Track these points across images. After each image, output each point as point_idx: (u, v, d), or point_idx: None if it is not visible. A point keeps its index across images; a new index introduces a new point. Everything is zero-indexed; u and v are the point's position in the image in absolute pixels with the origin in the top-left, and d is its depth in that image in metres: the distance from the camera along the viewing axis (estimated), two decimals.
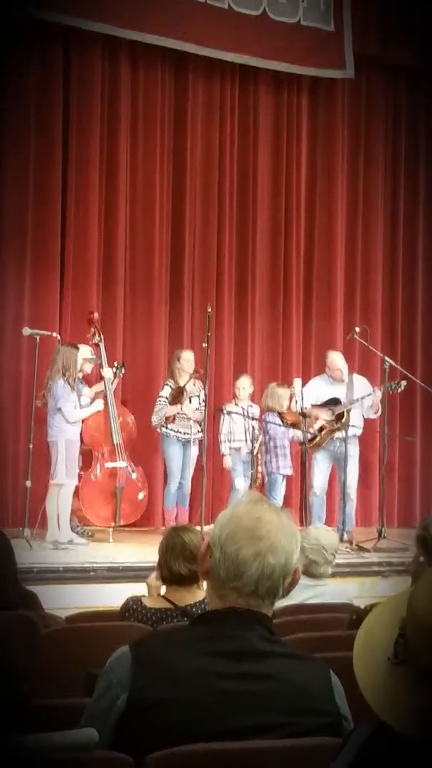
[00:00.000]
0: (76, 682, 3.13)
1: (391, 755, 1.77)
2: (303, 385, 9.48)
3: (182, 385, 9.17)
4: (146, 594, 4.41)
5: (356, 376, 9.61)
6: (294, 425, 9.08)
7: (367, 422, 10.12)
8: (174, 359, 9.38)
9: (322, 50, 10.46)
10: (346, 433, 9.20)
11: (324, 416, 9.16)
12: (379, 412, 9.48)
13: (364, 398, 9.26)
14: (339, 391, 9.35)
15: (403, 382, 9.34)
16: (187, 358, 9.28)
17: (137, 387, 9.92)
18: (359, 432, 9.40)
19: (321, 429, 9.23)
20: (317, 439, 9.16)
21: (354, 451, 9.30)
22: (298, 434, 9.08)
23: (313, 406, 9.19)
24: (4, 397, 9.43)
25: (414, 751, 1.74)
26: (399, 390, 9.33)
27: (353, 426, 9.24)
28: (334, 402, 9.27)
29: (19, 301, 9.47)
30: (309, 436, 9.06)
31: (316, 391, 9.38)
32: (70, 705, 2.77)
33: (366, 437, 10.72)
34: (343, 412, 9.19)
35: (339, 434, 9.22)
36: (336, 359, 9.52)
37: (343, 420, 9.18)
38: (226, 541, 2.21)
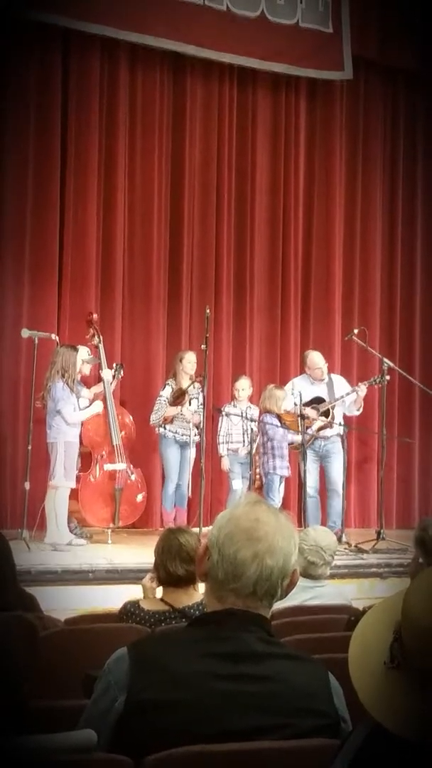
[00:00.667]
0: (75, 684, 3.13)
1: (388, 757, 1.77)
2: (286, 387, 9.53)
3: (184, 388, 9.16)
4: (142, 596, 4.41)
5: (335, 376, 9.69)
6: (292, 427, 9.09)
7: (367, 423, 10.15)
8: (176, 360, 9.36)
9: (321, 52, 10.47)
10: (344, 431, 9.25)
11: (311, 413, 9.17)
12: (361, 409, 9.52)
13: (348, 395, 9.33)
14: (320, 391, 9.41)
15: (387, 376, 9.36)
16: (190, 360, 9.26)
17: (136, 388, 9.92)
18: (342, 430, 9.41)
19: (320, 429, 9.25)
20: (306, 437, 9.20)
21: (337, 449, 9.36)
22: (296, 437, 9.08)
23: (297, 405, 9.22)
24: (2, 398, 9.43)
25: (411, 754, 1.74)
26: (383, 384, 9.33)
27: (338, 424, 9.29)
28: (318, 401, 9.31)
29: (18, 302, 9.46)
30: (308, 437, 9.08)
31: (298, 390, 9.39)
32: (69, 707, 2.77)
33: (364, 438, 10.75)
34: (328, 410, 9.24)
35: (323, 433, 9.27)
36: (316, 358, 9.56)
37: (329, 418, 9.24)
38: (224, 542, 2.22)
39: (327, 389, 9.44)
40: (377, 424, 9.95)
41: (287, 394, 9.24)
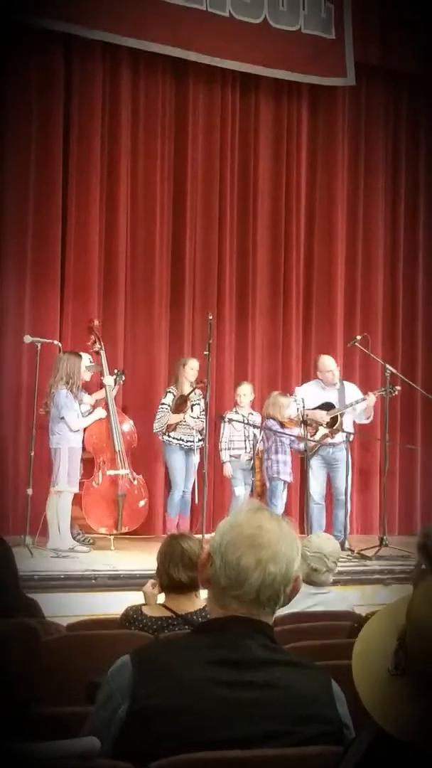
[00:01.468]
0: (77, 690, 3.13)
1: (392, 763, 1.76)
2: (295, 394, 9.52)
3: (186, 394, 9.15)
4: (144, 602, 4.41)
5: (347, 383, 9.66)
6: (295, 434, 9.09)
7: (369, 429, 10.13)
8: (179, 366, 9.35)
9: (323, 58, 10.47)
10: (349, 438, 9.24)
11: (320, 418, 9.17)
12: (371, 417, 9.51)
13: (357, 402, 9.30)
14: (331, 396, 9.39)
15: (397, 387, 9.37)
16: (193, 366, 9.24)
17: (137, 394, 9.92)
18: (350, 438, 9.40)
19: (323, 437, 9.24)
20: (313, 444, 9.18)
21: (345, 457, 9.33)
22: (299, 444, 9.07)
23: (307, 410, 9.21)
24: (4, 404, 9.42)
25: (416, 759, 1.74)
26: (393, 394, 9.34)
27: (346, 431, 9.28)
28: (327, 406, 9.30)
29: (20, 308, 9.46)
30: (311, 444, 9.08)
31: (308, 395, 9.39)
32: (72, 714, 2.77)
33: (367, 444, 10.74)
34: (336, 417, 9.23)
35: (331, 440, 9.25)
36: (326, 361, 9.55)
37: (336, 425, 9.22)
38: (227, 549, 2.22)
39: (338, 395, 9.42)
40: (380, 430, 9.94)
41: (292, 401, 9.23)
